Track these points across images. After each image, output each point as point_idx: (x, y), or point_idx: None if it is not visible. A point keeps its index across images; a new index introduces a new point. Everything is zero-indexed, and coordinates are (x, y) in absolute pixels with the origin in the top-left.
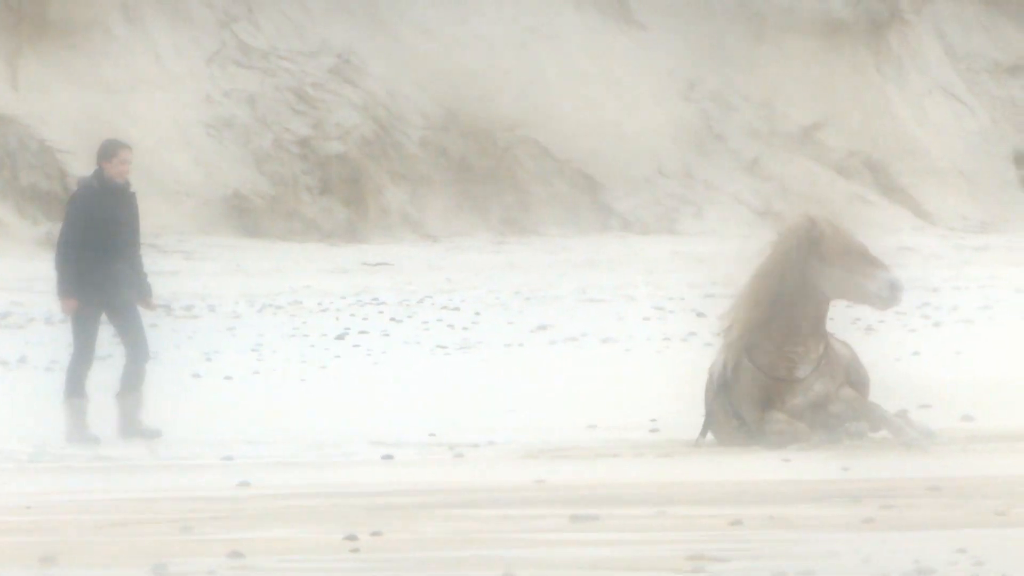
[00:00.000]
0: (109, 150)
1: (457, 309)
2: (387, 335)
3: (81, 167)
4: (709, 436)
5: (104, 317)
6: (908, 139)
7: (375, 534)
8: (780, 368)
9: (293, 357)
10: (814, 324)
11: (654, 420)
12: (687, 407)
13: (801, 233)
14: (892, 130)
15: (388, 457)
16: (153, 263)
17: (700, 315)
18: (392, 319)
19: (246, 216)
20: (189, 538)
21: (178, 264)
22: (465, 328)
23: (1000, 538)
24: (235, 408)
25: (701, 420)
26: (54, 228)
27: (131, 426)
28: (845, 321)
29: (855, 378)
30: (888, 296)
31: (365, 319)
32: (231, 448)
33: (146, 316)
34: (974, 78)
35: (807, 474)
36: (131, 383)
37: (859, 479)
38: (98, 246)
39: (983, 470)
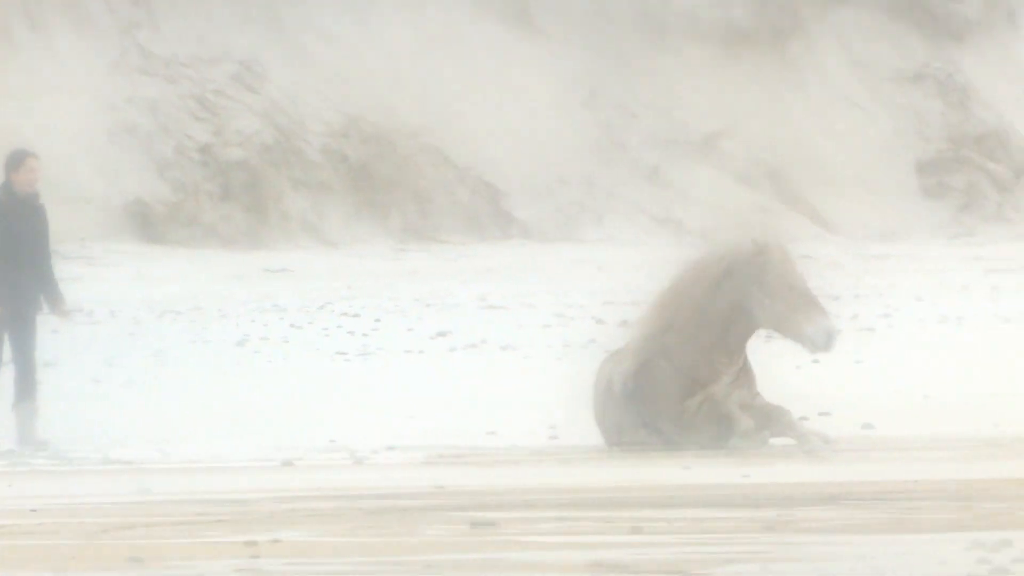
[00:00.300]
0: (16, 160)
1: (357, 316)
2: (287, 341)
3: None
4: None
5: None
6: (810, 148)
7: (275, 540)
8: (703, 370)
9: (193, 363)
10: (739, 342)
11: (553, 427)
12: (586, 414)
13: (746, 258)
14: (794, 139)
15: (288, 463)
16: (55, 269)
17: (600, 322)
18: (292, 325)
19: (147, 222)
20: (89, 545)
21: (80, 270)
22: (365, 335)
23: (900, 545)
24: (135, 414)
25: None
26: None
27: (24, 435)
28: None
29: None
30: (823, 343)
31: (265, 325)
32: (132, 454)
33: (52, 323)
34: (876, 87)
35: (707, 480)
36: (23, 393)
37: (759, 485)
38: (5, 258)
39: (883, 477)
